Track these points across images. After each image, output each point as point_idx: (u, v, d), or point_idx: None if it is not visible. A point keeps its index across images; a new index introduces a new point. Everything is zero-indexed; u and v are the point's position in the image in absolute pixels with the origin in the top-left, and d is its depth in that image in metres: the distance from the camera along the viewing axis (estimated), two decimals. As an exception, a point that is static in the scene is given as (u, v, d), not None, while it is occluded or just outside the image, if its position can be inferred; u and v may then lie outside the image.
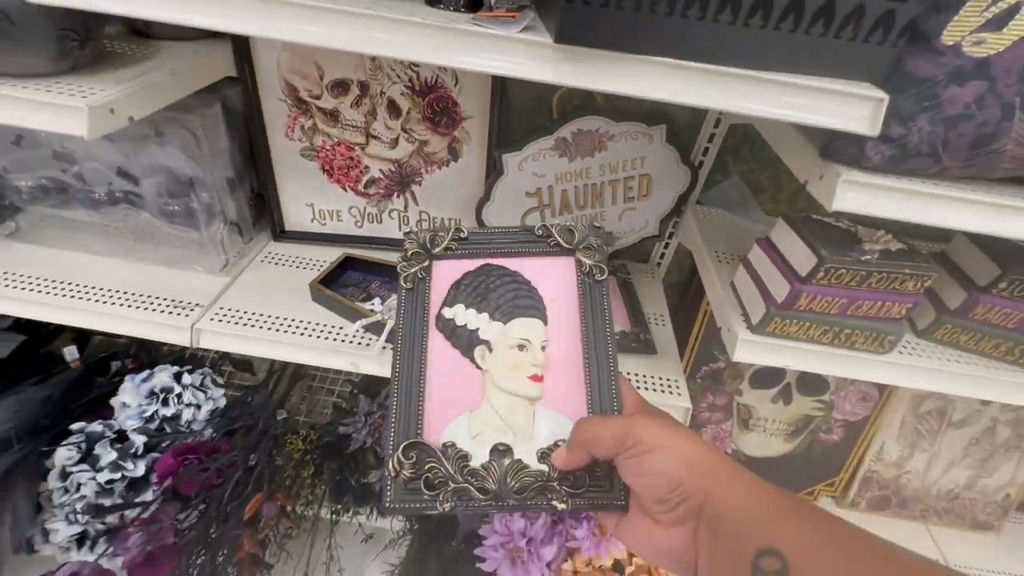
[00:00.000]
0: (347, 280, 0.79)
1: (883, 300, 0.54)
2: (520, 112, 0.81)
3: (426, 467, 0.37)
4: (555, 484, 0.37)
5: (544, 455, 0.38)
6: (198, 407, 0.73)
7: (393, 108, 0.73)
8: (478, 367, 0.41)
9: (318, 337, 0.69)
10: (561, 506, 0.36)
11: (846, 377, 0.60)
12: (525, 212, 0.81)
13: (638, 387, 0.69)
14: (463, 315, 0.43)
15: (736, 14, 0.37)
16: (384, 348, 0.68)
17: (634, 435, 0.32)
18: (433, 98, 0.73)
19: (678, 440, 0.31)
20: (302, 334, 0.69)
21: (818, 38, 0.39)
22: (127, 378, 0.74)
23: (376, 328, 0.69)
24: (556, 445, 0.38)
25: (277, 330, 0.69)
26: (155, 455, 0.68)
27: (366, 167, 0.79)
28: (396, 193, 0.82)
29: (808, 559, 0.25)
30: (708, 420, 0.99)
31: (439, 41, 0.40)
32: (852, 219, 0.57)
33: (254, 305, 0.72)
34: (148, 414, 0.70)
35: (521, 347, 0.41)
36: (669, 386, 0.70)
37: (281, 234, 0.84)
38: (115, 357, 0.83)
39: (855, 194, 0.44)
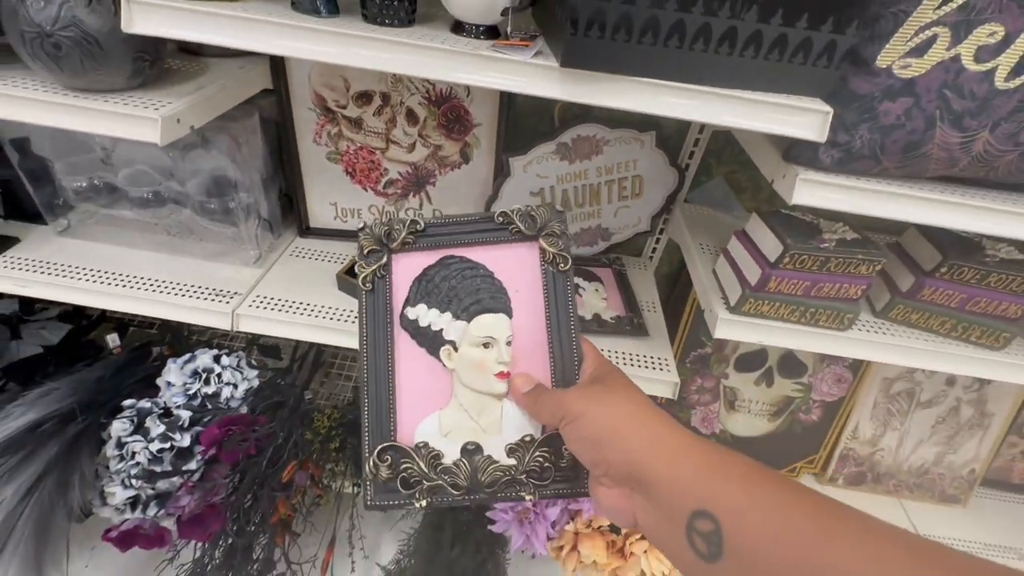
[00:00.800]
0: (368, 272, 0.87)
1: (841, 283, 0.62)
2: (525, 120, 0.90)
3: (401, 467, 0.39)
4: (523, 477, 0.39)
5: (512, 450, 0.40)
6: (235, 386, 0.81)
7: (411, 116, 0.82)
8: (445, 366, 0.42)
9: (345, 321, 0.77)
10: (529, 497, 0.39)
11: (811, 351, 0.68)
12: (529, 210, 0.89)
13: (632, 365, 0.78)
14: (426, 315, 0.42)
15: (708, 44, 0.46)
16: (405, 331, 0.76)
17: (563, 407, 0.35)
18: (447, 108, 0.81)
19: (602, 408, 0.32)
20: (332, 318, 0.77)
21: (775, 63, 0.47)
22: (170, 361, 0.82)
23: (398, 313, 0.77)
24: (524, 440, 0.40)
25: (309, 315, 0.77)
26: (198, 428, 0.76)
27: (386, 169, 0.87)
28: (412, 193, 0.90)
29: (740, 519, 0.25)
30: (697, 402, 1.07)
31: (464, 64, 0.48)
32: (815, 213, 0.66)
33: (287, 293, 0.80)
34: (191, 392, 0.78)
35: (486, 345, 0.41)
36: (659, 364, 0.78)
37: (306, 231, 0.92)
38: (152, 344, 0.90)
39: (810, 190, 0.53)
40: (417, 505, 0.39)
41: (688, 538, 0.26)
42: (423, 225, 0.44)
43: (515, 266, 0.43)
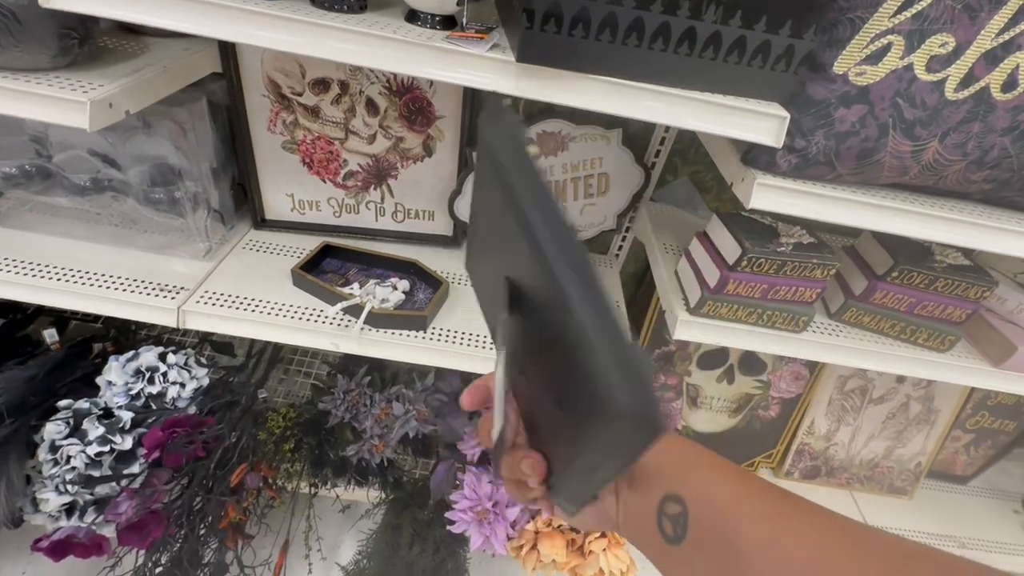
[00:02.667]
0: (326, 267, 0.84)
1: (797, 286, 0.63)
2: (490, 113, 0.87)
3: None
4: None
5: None
6: (183, 386, 0.77)
7: (371, 106, 0.79)
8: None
9: (300, 319, 0.74)
10: None
11: (767, 352, 0.69)
12: (494, 206, 0.88)
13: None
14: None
15: (667, 43, 0.45)
16: (363, 329, 0.74)
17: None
18: (409, 98, 0.78)
19: None
20: (285, 316, 0.74)
21: (734, 66, 0.47)
22: (112, 358, 0.78)
23: (355, 310, 0.74)
24: None
25: (261, 312, 0.74)
26: (142, 430, 0.72)
27: (345, 160, 0.84)
28: (373, 186, 0.87)
29: (703, 501, 0.27)
30: (660, 399, 1.08)
31: (416, 56, 0.46)
32: (774, 216, 0.67)
33: (238, 289, 0.77)
34: (134, 392, 0.74)
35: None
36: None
37: (262, 223, 0.89)
38: (95, 340, 0.85)
39: (767, 195, 0.53)
40: None
41: (658, 522, 0.28)
42: None
43: None
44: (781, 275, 0.62)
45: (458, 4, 0.48)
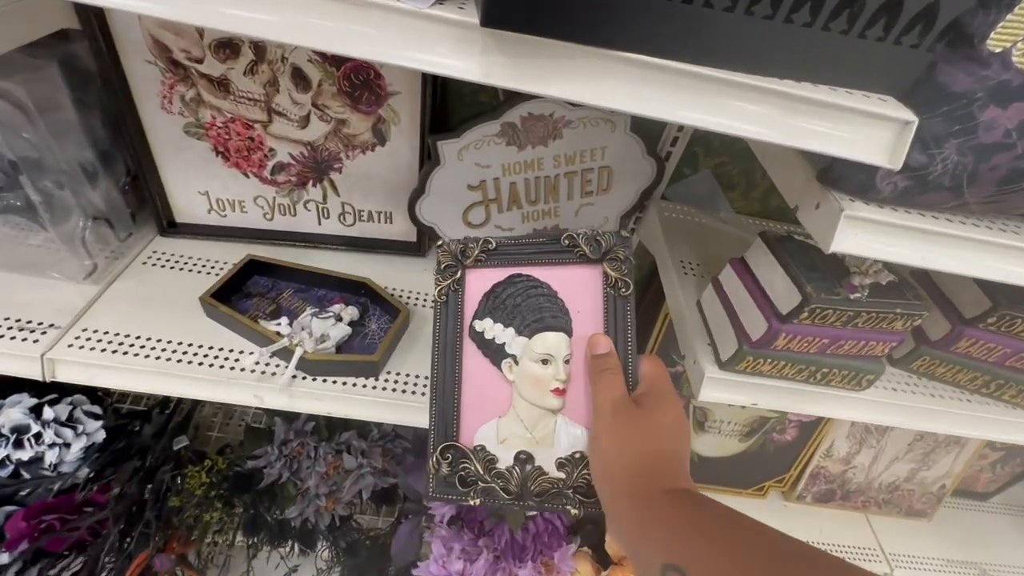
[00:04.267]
0: (253, 288, 0.66)
1: (868, 339, 0.47)
2: (459, 89, 0.68)
3: (460, 466, 0.42)
4: (570, 492, 0.40)
5: (562, 464, 0.41)
6: (66, 446, 0.60)
7: (300, 78, 0.59)
8: (508, 380, 0.43)
9: (211, 365, 0.57)
10: (574, 511, 0.39)
11: (815, 415, 0.54)
12: (467, 207, 0.69)
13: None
14: (491, 329, 0.44)
15: (777, 8, 0.27)
16: (294, 378, 0.57)
17: (594, 416, 0.40)
18: (350, 67, 0.58)
19: (609, 445, 0.37)
20: (190, 362, 0.56)
21: (838, 36, 0.29)
22: (-28, 410, 0.60)
23: (284, 354, 0.57)
24: (574, 456, 0.41)
25: (158, 357, 0.56)
26: (10, 508, 0.56)
27: (271, 150, 0.64)
28: (312, 181, 0.68)
29: (704, 569, 0.28)
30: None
31: (322, 17, 0.27)
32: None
33: (129, 323, 0.58)
34: (-4, 460, 0.56)
35: (545, 362, 0.42)
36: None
37: (170, 228, 0.69)
38: (-42, 381, 0.67)
39: (860, 233, 0.36)
40: (471, 502, 0.41)
41: None
42: (495, 244, 0.46)
43: (578, 287, 0.44)
44: (851, 327, 0.46)
45: (385, -77, 0.28)
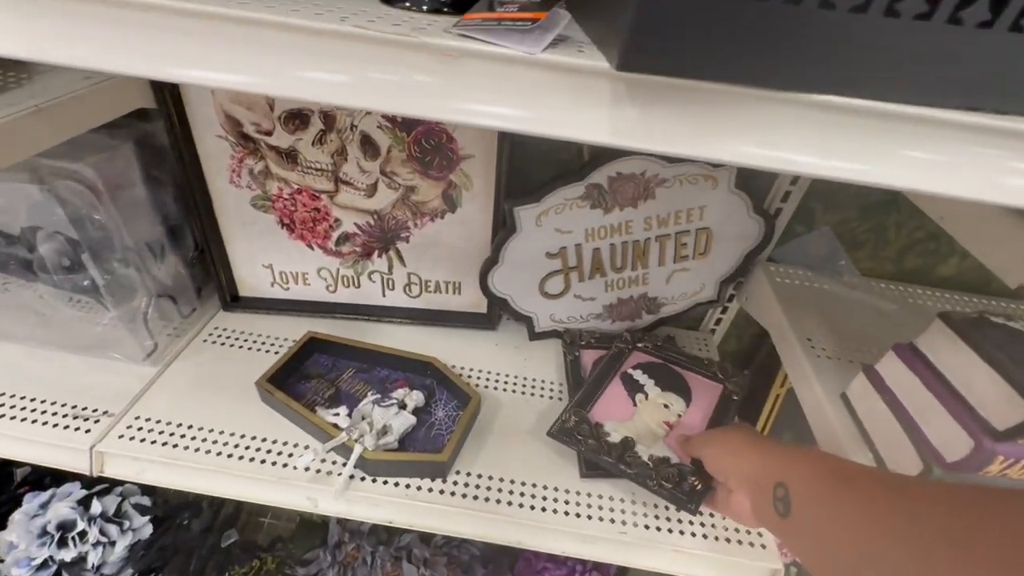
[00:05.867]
0: (312, 368, 0.61)
1: None
2: (538, 149, 0.62)
3: (581, 426, 0.52)
4: (652, 473, 0.49)
5: (652, 456, 0.50)
6: (111, 543, 0.54)
7: (369, 145, 0.55)
8: (635, 404, 0.56)
9: (263, 462, 0.50)
10: (651, 485, 0.48)
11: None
12: (544, 276, 0.62)
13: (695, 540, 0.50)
14: (643, 378, 0.59)
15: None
16: (351, 478, 0.49)
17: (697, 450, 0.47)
18: (422, 131, 0.54)
19: (723, 449, 0.44)
20: (241, 457, 0.50)
21: None
22: (25, 500, 0.57)
23: (343, 451, 0.50)
24: (665, 458, 0.50)
25: (208, 451, 0.50)
26: (47, 618, 0.50)
27: (337, 220, 0.61)
28: (378, 251, 0.63)
29: (801, 488, 0.33)
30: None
31: (385, 69, 0.21)
32: (1062, 328, 0.37)
33: (184, 411, 0.54)
34: (38, 561, 0.52)
35: (665, 405, 0.56)
36: (743, 537, 0.50)
37: (233, 302, 0.66)
38: (18, 463, 0.65)
39: None
40: (579, 449, 0.51)
41: (773, 503, 0.34)
42: (661, 341, 0.65)
43: (704, 388, 0.59)
44: (1104, 450, 0.32)
45: (481, -43, 0.22)
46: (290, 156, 0.56)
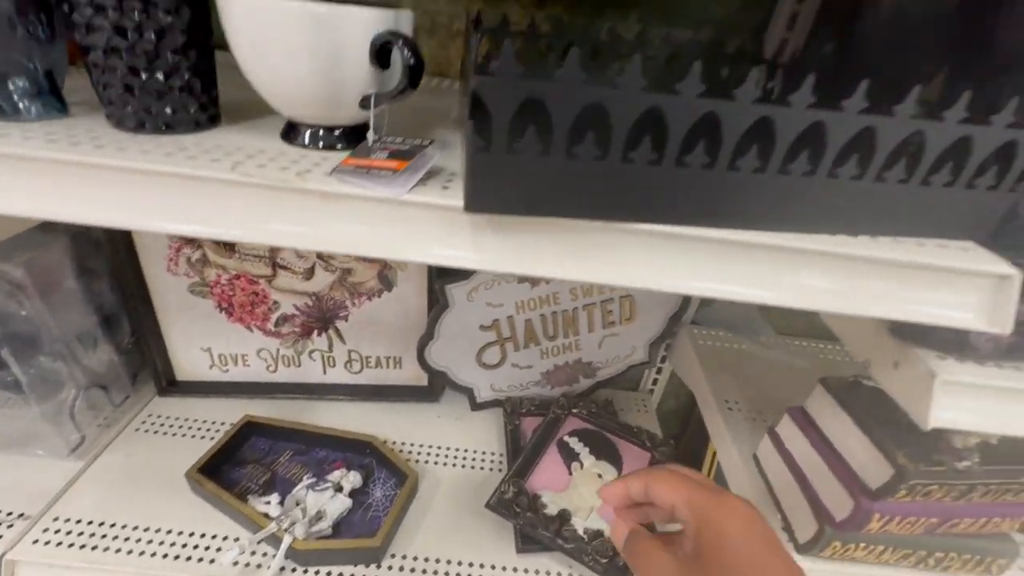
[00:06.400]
0: (249, 453, 0.60)
1: (990, 515, 0.37)
2: (469, 227, 0.66)
3: (519, 497, 0.53)
4: (588, 548, 0.50)
5: (587, 531, 0.52)
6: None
7: (305, 233, 0.58)
8: (571, 473, 0.58)
9: (188, 559, 0.49)
10: (586, 560, 0.50)
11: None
12: (481, 348, 0.64)
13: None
14: (578, 446, 0.61)
15: (817, 164, 0.23)
16: (282, 570, 0.48)
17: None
18: (355, 219, 0.57)
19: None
20: (166, 555, 0.49)
21: (936, 189, 0.24)
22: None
23: (273, 541, 0.49)
24: (599, 531, 0.52)
25: (130, 551, 0.49)
26: None
27: (275, 303, 0.62)
28: (317, 331, 0.64)
29: None
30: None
31: (272, 211, 0.24)
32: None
33: (108, 509, 0.52)
34: None
35: (599, 475, 0.58)
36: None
37: (170, 386, 0.66)
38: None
39: (963, 401, 0.28)
40: (516, 523, 0.52)
41: None
42: (596, 408, 0.68)
43: (634, 455, 0.62)
44: (965, 501, 0.36)
45: (362, 106, 0.26)
46: (227, 244, 0.58)
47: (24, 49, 0.27)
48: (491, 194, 0.22)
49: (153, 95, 0.26)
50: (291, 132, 0.28)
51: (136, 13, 0.24)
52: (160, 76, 0.26)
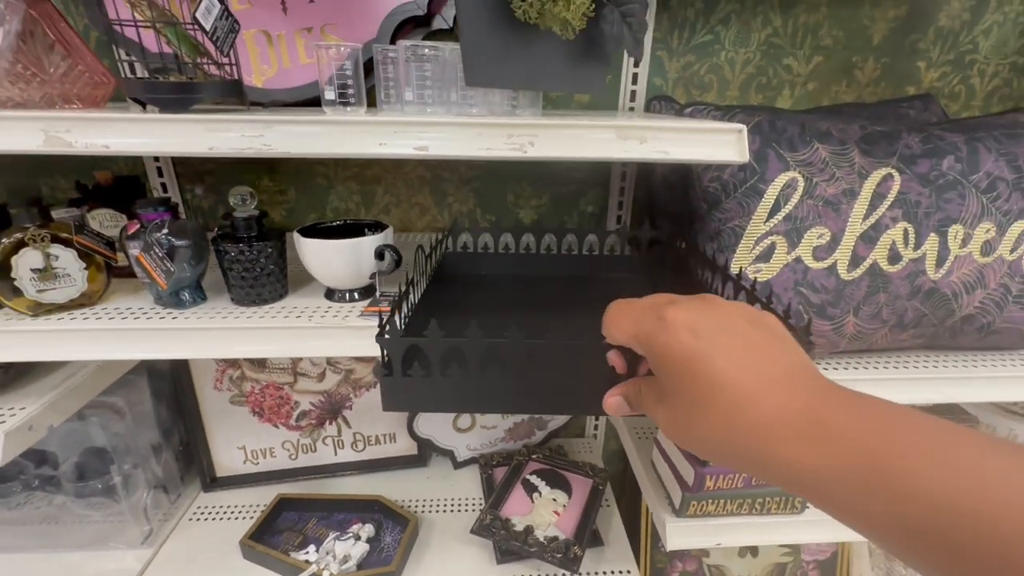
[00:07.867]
0: (282, 524, 0.77)
1: (777, 467, 0.59)
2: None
3: (495, 522, 0.72)
4: (547, 552, 0.68)
5: (546, 536, 0.71)
6: None
7: (317, 347, 0.80)
8: (532, 501, 0.78)
9: (250, 607, 0.64)
10: (545, 558, 0.68)
11: (773, 543, 0.62)
12: (455, 417, 0.85)
13: (591, 588, 0.68)
14: (537, 481, 0.81)
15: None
16: (323, 603, 0.64)
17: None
18: (354, 332, 0.80)
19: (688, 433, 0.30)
20: (232, 607, 0.64)
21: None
22: None
23: (313, 580, 0.66)
24: (552, 537, 0.71)
25: (203, 610, 0.64)
26: None
27: (296, 402, 0.82)
28: (328, 420, 0.84)
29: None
30: None
31: (331, 340, 0.47)
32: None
33: (179, 581, 0.68)
34: None
35: (554, 499, 0.78)
36: (621, 579, 0.69)
37: (212, 483, 0.83)
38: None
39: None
40: (494, 540, 0.71)
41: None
42: (549, 453, 0.89)
43: (581, 484, 0.81)
44: (756, 460, 0.58)
45: (371, 278, 0.50)
46: (259, 362, 0.79)
47: (191, 273, 0.51)
48: (399, 399, 0.41)
49: (258, 286, 0.50)
50: (331, 294, 0.52)
51: (254, 250, 0.49)
52: (263, 279, 0.50)
